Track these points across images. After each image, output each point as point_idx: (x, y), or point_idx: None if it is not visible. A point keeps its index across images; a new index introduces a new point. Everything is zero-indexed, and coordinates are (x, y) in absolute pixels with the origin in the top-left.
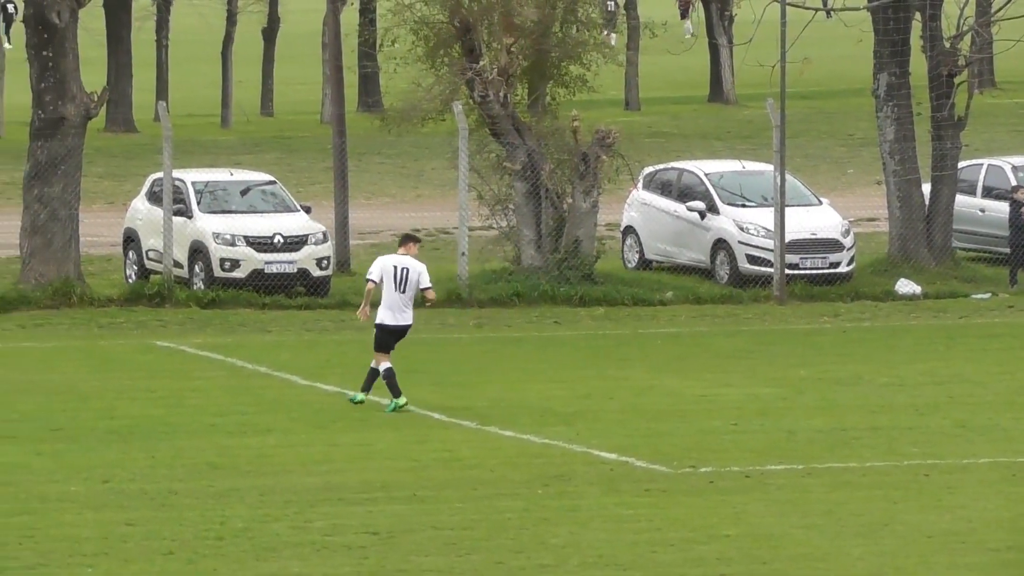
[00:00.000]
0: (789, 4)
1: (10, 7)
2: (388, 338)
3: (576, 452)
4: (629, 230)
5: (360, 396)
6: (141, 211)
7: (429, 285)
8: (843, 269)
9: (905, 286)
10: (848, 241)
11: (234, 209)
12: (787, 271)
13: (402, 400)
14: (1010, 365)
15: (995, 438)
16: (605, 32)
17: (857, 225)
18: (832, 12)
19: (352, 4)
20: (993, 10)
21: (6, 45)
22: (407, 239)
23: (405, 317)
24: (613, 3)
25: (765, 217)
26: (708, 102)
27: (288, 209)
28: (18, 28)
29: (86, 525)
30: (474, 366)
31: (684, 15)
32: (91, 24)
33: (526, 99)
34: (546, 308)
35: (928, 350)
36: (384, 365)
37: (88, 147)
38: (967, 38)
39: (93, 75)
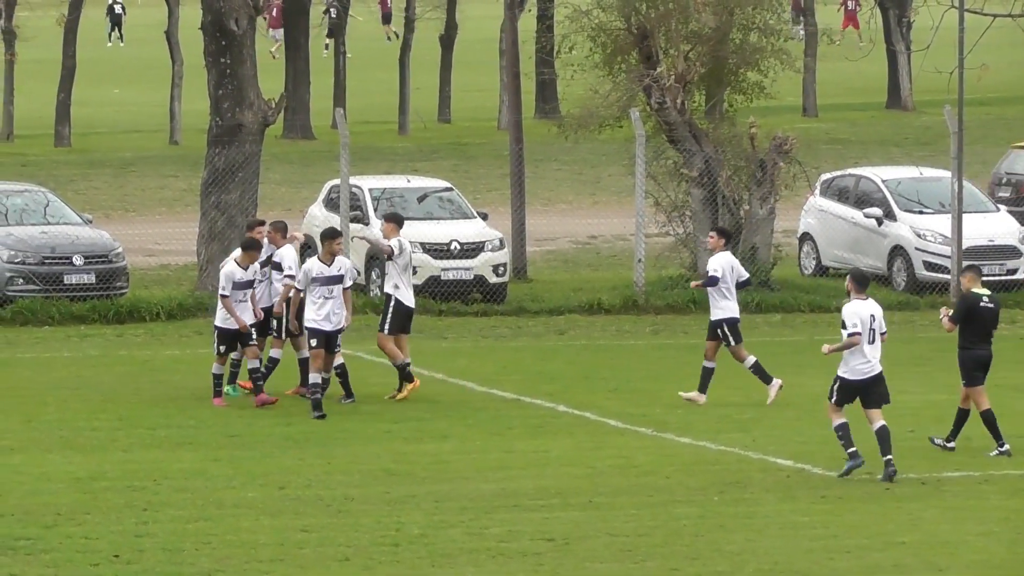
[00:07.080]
0: (967, 10)
1: (117, 7)
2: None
3: (752, 459)
4: (806, 237)
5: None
6: (318, 218)
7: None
8: (1020, 276)
9: None
10: None
11: (411, 216)
12: None
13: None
14: None
15: None
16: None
17: None
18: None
19: (530, 11)
20: None
21: (110, 44)
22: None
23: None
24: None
25: (942, 224)
26: (886, 108)
27: (465, 216)
28: (193, 36)
29: (262, 531)
30: (650, 373)
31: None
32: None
33: (703, 106)
34: None
35: None
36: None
37: (266, 154)
38: None
39: (271, 82)
